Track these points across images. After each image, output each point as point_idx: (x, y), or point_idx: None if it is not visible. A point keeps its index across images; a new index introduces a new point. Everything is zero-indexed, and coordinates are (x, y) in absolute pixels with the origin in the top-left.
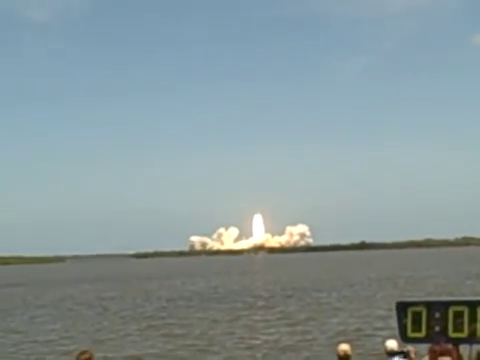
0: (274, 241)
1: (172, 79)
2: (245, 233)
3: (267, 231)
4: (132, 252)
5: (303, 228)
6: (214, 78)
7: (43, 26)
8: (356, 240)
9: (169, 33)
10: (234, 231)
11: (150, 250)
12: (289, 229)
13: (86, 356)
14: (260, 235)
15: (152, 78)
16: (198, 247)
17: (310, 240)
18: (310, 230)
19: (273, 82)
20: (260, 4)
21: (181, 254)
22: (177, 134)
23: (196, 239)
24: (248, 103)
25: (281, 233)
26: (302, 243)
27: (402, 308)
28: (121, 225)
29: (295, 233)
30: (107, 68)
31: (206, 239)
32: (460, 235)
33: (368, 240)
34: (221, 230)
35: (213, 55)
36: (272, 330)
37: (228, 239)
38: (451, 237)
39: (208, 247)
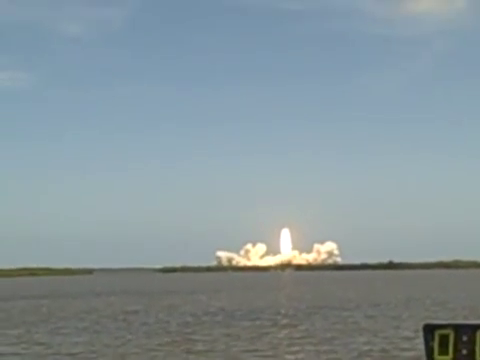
0: (301, 258)
1: (207, 83)
2: (272, 249)
3: (295, 248)
4: (159, 266)
5: (331, 246)
6: (245, 88)
7: (76, 39)
8: (384, 259)
9: (200, 43)
10: (261, 247)
11: (177, 265)
12: (317, 246)
13: None
14: (287, 251)
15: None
16: (225, 263)
17: (338, 259)
18: (338, 248)
19: (305, 97)
20: (291, 20)
21: (208, 269)
22: (207, 150)
23: (223, 254)
24: (278, 117)
25: (309, 250)
26: (330, 261)
27: (429, 330)
28: (149, 239)
29: (323, 251)
30: (141, 80)
31: (233, 255)
32: None
33: (396, 260)
34: (248, 246)
35: (242, 66)
36: (296, 348)
37: (255, 255)
38: (479, 258)
39: (235, 263)
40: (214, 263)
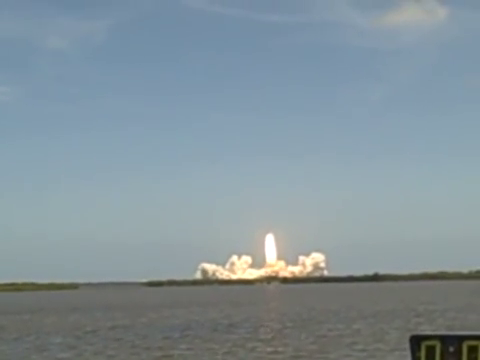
0: (287, 271)
1: (196, 103)
2: (258, 261)
3: (280, 259)
4: (145, 280)
5: (318, 257)
6: (227, 106)
7: (61, 53)
8: (369, 272)
9: (183, 55)
10: (247, 259)
11: (163, 278)
12: (302, 258)
13: None
14: (272, 260)
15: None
16: (211, 276)
17: (324, 271)
18: (325, 259)
19: (289, 111)
20: (273, 32)
21: (194, 283)
22: (191, 163)
23: (209, 267)
24: (262, 128)
25: (295, 262)
26: (316, 274)
27: (416, 342)
28: (134, 253)
29: (309, 263)
30: (125, 93)
31: (218, 267)
32: (474, 268)
33: (381, 272)
34: (234, 258)
35: (226, 81)
36: None
37: (240, 268)
38: (465, 270)
39: (220, 276)
40: (199, 276)
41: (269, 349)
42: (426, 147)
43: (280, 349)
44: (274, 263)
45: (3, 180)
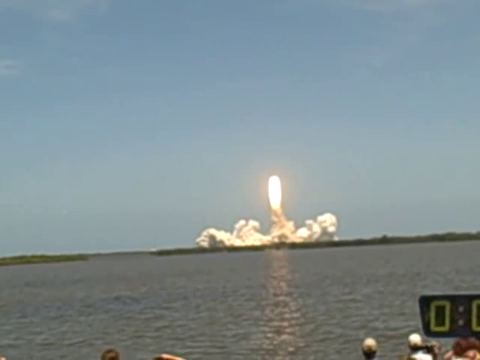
0: (296, 236)
1: (191, 74)
2: (266, 226)
3: (289, 220)
4: (155, 250)
5: (328, 219)
6: (227, 74)
7: (63, 25)
8: (378, 234)
9: (185, 25)
10: (255, 224)
11: (172, 247)
12: (310, 222)
13: (112, 355)
14: (281, 228)
15: (167, 73)
16: (218, 243)
17: (334, 236)
18: (337, 221)
19: (290, 76)
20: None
21: (203, 250)
22: (193, 130)
23: (216, 234)
24: (265, 95)
25: (303, 225)
26: (325, 238)
27: (425, 302)
28: (142, 223)
29: (318, 226)
30: (125, 64)
31: (226, 234)
32: None
33: (390, 234)
34: (241, 223)
35: (225, 50)
36: (294, 326)
37: (248, 234)
38: (473, 230)
39: (228, 243)
40: (207, 243)
41: (285, 314)
42: (433, 109)
43: (294, 315)
44: (283, 231)
45: (7, 154)
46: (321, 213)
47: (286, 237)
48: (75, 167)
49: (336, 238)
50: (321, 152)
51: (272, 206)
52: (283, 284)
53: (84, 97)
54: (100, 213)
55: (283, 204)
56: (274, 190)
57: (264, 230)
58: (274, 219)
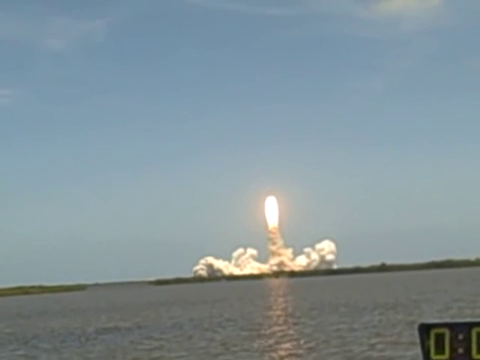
0: (294, 264)
1: (187, 101)
2: (264, 255)
3: (287, 247)
4: (152, 279)
5: (327, 246)
6: (228, 98)
7: (61, 54)
8: (376, 262)
9: (184, 54)
10: (252, 252)
11: (170, 276)
12: (309, 250)
13: None
14: (280, 255)
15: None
16: (217, 272)
17: (332, 260)
18: (336, 248)
19: (289, 101)
20: (272, 26)
21: (201, 280)
22: (191, 156)
23: (214, 262)
24: (261, 122)
25: (302, 252)
26: (323, 266)
27: (425, 330)
28: (140, 252)
29: (317, 253)
30: (122, 92)
31: (225, 263)
32: None
33: (388, 262)
34: (239, 251)
35: (221, 76)
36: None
37: (246, 262)
38: (472, 257)
39: (227, 271)
40: (206, 272)
41: (269, 345)
42: (429, 135)
43: (284, 346)
44: (281, 259)
45: (6, 183)
46: (319, 239)
47: (284, 265)
48: (72, 196)
49: (335, 266)
50: (319, 176)
51: (269, 225)
52: (281, 313)
53: (80, 126)
54: (98, 242)
55: (280, 226)
56: (271, 209)
57: (262, 258)
58: (272, 248)
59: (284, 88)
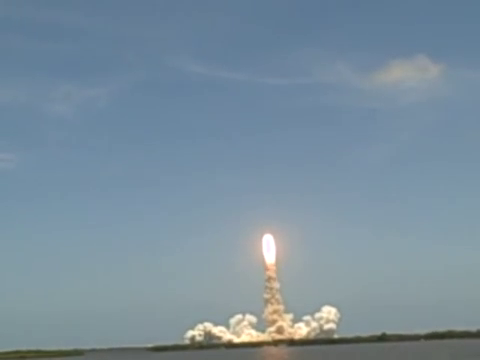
0: (294, 331)
1: (190, 169)
2: (263, 323)
3: (287, 312)
4: (150, 345)
5: (327, 313)
6: (230, 168)
7: (67, 120)
8: (377, 331)
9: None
10: (251, 319)
11: (169, 343)
12: (308, 318)
13: None
14: (278, 325)
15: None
16: (215, 339)
17: (332, 329)
18: (336, 313)
19: (291, 169)
20: (274, 95)
21: (201, 347)
22: (188, 222)
23: (213, 329)
24: (265, 188)
25: (300, 321)
26: (323, 335)
27: None
28: (139, 317)
29: (316, 322)
30: (124, 158)
31: (222, 329)
32: None
33: (389, 332)
34: (237, 317)
35: (229, 144)
36: None
37: (245, 329)
38: (473, 329)
39: (225, 337)
40: (204, 338)
41: None
42: (432, 207)
43: None
44: (280, 327)
45: (4, 249)
46: (320, 304)
47: (283, 331)
48: (71, 263)
49: (336, 336)
50: (321, 244)
51: (266, 262)
52: None
53: (81, 191)
54: (96, 308)
55: (282, 290)
56: (268, 247)
57: (261, 325)
58: (269, 317)
59: (284, 157)
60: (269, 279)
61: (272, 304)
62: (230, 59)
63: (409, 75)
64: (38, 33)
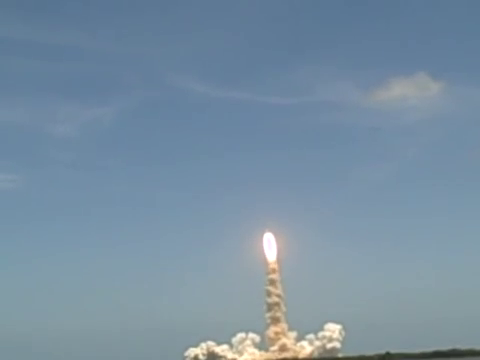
0: (298, 350)
1: (202, 186)
2: (266, 341)
3: (291, 330)
4: None
5: (331, 330)
6: (236, 185)
7: (71, 140)
8: (381, 350)
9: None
10: (254, 337)
11: None
12: (312, 337)
13: None
14: (282, 343)
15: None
16: (217, 358)
17: (337, 348)
18: (340, 331)
19: (293, 189)
20: (277, 114)
21: None
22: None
23: (216, 348)
24: (269, 207)
25: (304, 339)
26: (327, 354)
27: None
28: (140, 340)
29: (319, 342)
30: (129, 179)
31: (225, 348)
32: None
33: (393, 350)
34: (241, 336)
35: (238, 162)
36: None
37: (248, 347)
38: (477, 347)
39: (229, 358)
40: (206, 357)
41: None
42: (433, 226)
43: None
44: (284, 345)
45: (6, 269)
46: (324, 322)
47: (287, 349)
48: (71, 284)
49: (340, 355)
50: (325, 262)
51: (268, 260)
52: None
53: (86, 212)
54: (94, 327)
55: (287, 308)
56: (269, 245)
57: (264, 344)
58: (271, 334)
59: (286, 176)
60: (270, 295)
61: (275, 324)
62: (232, 78)
63: (410, 93)
64: (41, 53)
